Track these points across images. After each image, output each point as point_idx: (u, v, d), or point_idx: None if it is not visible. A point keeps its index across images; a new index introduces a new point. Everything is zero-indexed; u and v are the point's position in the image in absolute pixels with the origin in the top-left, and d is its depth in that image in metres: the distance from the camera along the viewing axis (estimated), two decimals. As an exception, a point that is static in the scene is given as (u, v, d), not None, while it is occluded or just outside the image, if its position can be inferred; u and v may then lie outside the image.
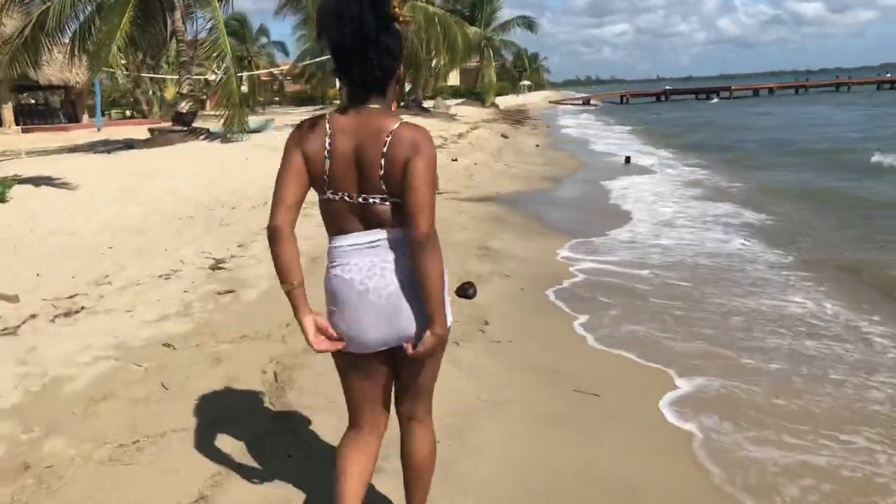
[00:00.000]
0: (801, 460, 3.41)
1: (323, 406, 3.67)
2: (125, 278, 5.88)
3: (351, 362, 2.26)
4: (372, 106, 2.11)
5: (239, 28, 51.49)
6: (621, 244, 8.28)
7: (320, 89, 49.95)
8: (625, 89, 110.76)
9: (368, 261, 2.12)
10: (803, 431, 3.69)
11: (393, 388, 2.37)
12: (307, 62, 35.41)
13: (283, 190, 2.15)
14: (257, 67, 49.21)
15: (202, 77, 23.33)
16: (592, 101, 76.21)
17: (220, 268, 6.21)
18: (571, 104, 73.30)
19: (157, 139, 18.12)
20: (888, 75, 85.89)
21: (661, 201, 11.52)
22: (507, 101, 55.31)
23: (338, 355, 2.26)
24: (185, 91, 18.23)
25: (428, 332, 2.11)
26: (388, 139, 2.04)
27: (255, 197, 10.17)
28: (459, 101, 45.68)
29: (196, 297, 5.38)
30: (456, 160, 15.39)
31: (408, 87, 40.29)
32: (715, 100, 71.67)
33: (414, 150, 2.04)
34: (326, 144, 2.09)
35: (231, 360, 4.23)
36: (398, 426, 2.42)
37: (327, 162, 2.09)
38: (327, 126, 2.10)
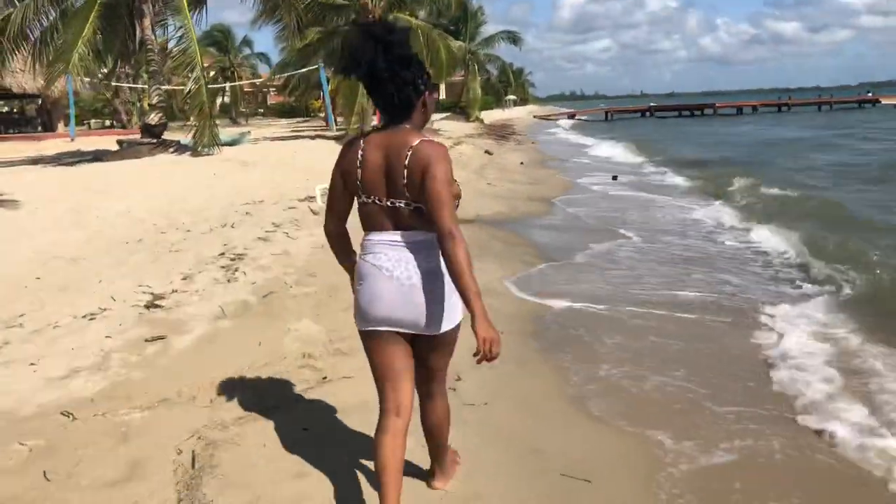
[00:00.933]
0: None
1: (245, 507, 2.90)
2: (41, 319, 5.07)
3: (374, 341, 2.65)
4: (400, 126, 2.53)
5: (222, 39, 50.78)
6: (617, 275, 7.53)
7: (304, 101, 49.17)
8: (608, 104, 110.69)
9: (396, 255, 2.53)
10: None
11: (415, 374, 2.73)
12: (288, 73, 34.53)
13: (331, 202, 2.70)
14: (240, 78, 48.41)
15: (183, 87, 22.60)
16: (577, 117, 75.89)
17: (157, 305, 5.41)
18: (557, 119, 72.93)
19: (125, 151, 17.32)
20: (869, 94, 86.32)
21: (653, 224, 10.84)
22: (492, 116, 54.78)
23: (364, 336, 2.67)
24: (154, 102, 17.44)
25: (477, 329, 2.34)
26: (409, 153, 2.44)
27: (215, 217, 9.38)
28: (444, 115, 45.06)
29: (118, 346, 4.57)
30: (436, 178, 14.65)
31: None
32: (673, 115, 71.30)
33: (430, 162, 2.42)
34: (359, 157, 2.53)
35: (141, 436, 3.44)
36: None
37: (359, 171, 2.52)
38: (361, 142, 2.55)
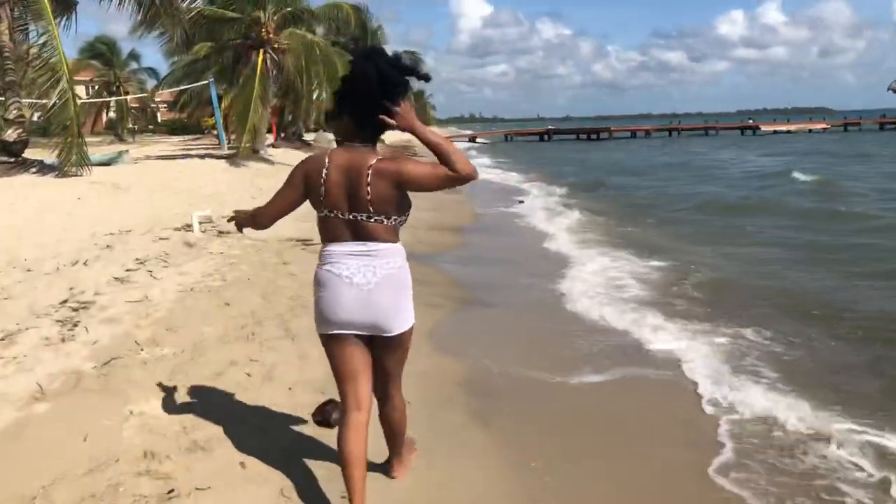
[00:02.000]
0: None
1: None
2: None
3: (334, 344, 2.90)
4: (359, 146, 2.79)
5: (106, 51, 47.92)
6: (556, 323, 6.66)
7: (196, 118, 46.89)
8: (507, 128, 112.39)
9: (356, 262, 2.78)
10: None
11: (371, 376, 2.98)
12: (176, 89, 32.48)
13: (278, 200, 2.94)
14: (126, 94, 45.76)
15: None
16: (478, 139, 76.25)
17: (-48, 382, 4.09)
18: (458, 141, 72.92)
19: (-27, 171, 15.22)
20: (750, 121, 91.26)
21: (573, 259, 10.11)
22: (392, 137, 53.76)
23: (325, 339, 2.92)
24: (12, 116, 15.45)
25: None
26: (370, 172, 2.70)
27: (68, 252, 7.94)
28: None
29: None
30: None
31: (289, 118, 38.11)
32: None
33: (397, 171, 2.70)
34: (324, 174, 2.76)
35: None
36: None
37: (323, 189, 2.75)
38: (326, 160, 2.77)
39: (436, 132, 2.75)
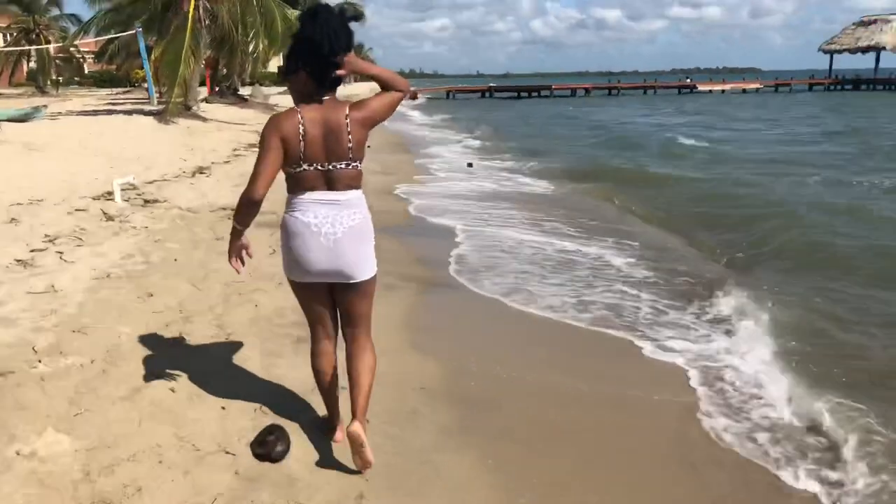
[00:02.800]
0: None
1: None
2: None
3: (305, 289, 3.11)
4: (326, 98, 2.92)
5: (26, -5, 44.83)
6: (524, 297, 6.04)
7: (125, 69, 44.46)
8: (447, 84, 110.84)
9: (324, 212, 2.92)
10: None
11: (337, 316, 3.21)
12: (101, 38, 30.30)
13: (266, 168, 2.86)
14: (47, 42, 43.06)
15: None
16: (421, 95, 74.70)
17: None
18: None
19: None
20: (688, 80, 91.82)
21: (513, 226, 9.48)
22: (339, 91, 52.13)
23: (295, 285, 3.13)
24: None
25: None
26: (348, 121, 2.89)
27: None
28: (281, 89, 42.06)
29: None
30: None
31: (223, 71, 36.19)
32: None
33: (368, 114, 2.96)
34: (301, 130, 2.85)
35: None
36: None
37: (302, 143, 2.85)
38: (299, 116, 2.86)
39: (372, 64, 3.12)
